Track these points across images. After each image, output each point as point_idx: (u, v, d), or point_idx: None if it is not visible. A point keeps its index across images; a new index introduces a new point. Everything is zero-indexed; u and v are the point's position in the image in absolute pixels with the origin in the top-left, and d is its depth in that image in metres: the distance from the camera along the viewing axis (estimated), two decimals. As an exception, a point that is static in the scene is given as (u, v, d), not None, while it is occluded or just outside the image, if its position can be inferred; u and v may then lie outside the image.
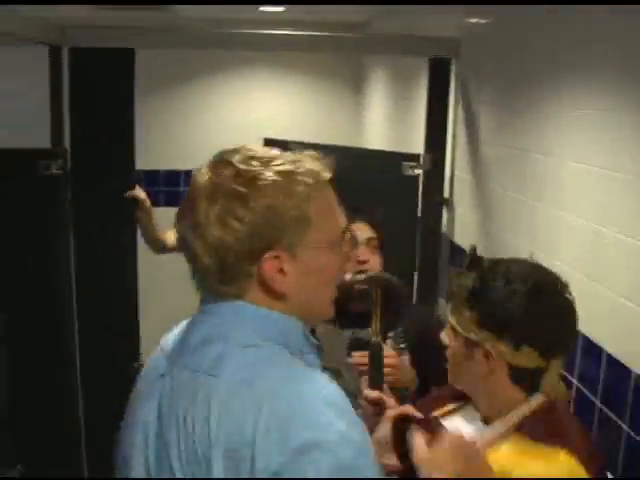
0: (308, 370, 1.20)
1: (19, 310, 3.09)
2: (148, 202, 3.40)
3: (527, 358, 1.53)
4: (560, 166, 2.53)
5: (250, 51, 5.26)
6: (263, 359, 1.18)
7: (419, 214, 3.75)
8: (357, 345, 2.44)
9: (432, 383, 2.33)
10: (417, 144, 3.91)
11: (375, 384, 2.02)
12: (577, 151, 2.42)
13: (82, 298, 3.40)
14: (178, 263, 1.38)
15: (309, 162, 1.25)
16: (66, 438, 3.36)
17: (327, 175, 1.26)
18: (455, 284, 1.63)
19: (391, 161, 3.81)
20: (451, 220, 3.77)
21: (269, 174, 1.19)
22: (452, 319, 1.63)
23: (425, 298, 3.70)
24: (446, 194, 3.80)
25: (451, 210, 3.77)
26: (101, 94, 3.34)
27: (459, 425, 1.64)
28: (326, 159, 1.28)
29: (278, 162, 1.22)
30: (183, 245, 1.24)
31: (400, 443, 1.50)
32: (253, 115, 5.98)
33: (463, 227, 3.63)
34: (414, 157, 3.72)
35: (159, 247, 3.53)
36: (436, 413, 1.72)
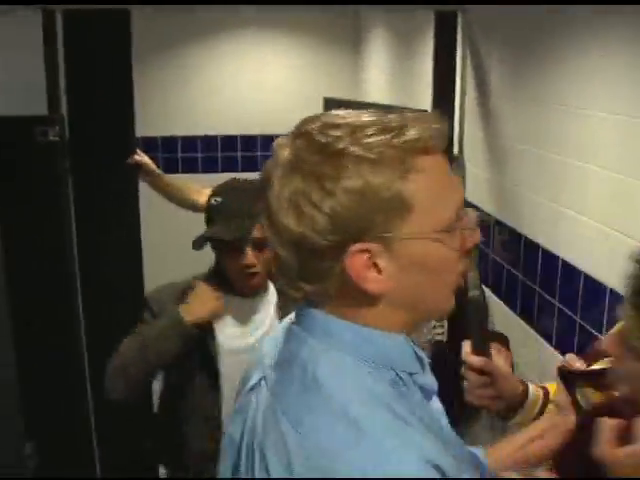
0: (408, 432, 0.93)
1: (20, 273, 3.03)
2: (153, 165, 3.30)
3: None
4: (581, 116, 2.44)
5: (246, 12, 5.16)
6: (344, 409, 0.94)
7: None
8: None
9: None
10: (423, 104, 3.82)
11: (478, 348, 1.64)
12: (599, 99, 2.34)
13: (84, 267, 3.32)
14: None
15: (414, 128, 0.95)
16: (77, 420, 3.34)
17: (437, 144, 0.98)
18: None
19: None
20: (461, 177, 3.69)
21: (355, 148, 0.94)
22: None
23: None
24: (455, 151, 3.71)
25: (461, 167, 3.68)
26: (97, 58, 3.23)
27: None
28: (439, 121, 0.98)
29: (369, 131, 0.95)
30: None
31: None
32: (251, 77, 5.90)
33: (475, 184, 3.55)
34: (422, 114, 3.63)
35: (190, 207, 3.30)
36: None
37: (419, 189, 0.96)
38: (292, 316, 1.13)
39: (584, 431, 1.30)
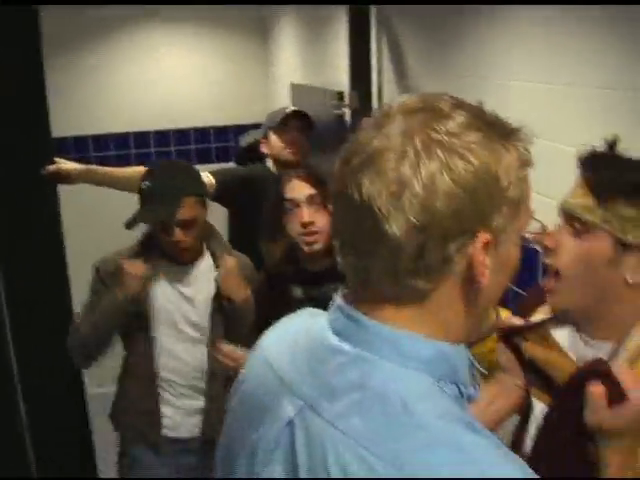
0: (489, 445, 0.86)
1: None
2: (74, 165, 3.19)
3: None
4: (502, 87, 2.51)
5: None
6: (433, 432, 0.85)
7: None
8: (309, 304, 2.32)
9: None
10: (340, 85, 3.86)
11: None
12: (518, 69, 2.40)
13: (5, 277, 3.20)
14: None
15: (522, 134, 0.94)
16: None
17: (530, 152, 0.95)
18: (597, 171, 1.34)
19: (318, 99, 3.75)
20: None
21: (489, 132, 0.90)
22: (592, 216, 1.33)
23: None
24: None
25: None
26: (5, 60, 3.11)
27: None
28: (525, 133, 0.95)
29: (495, 121, 0.93)
30: (344, 213, 0.92)
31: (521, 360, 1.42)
32: (157, 72, 5.83)
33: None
34: (340, 95, 3.67)
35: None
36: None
37: (526, 189, 0.94)
38: (303, 316, 1.09)
39: (565, 404, 1.33)
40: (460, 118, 0.89)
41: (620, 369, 1.26)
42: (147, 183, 2.53)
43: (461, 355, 0.96)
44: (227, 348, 2.24)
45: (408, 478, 0.81)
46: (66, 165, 3.15)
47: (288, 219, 2.36)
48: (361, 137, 0.92)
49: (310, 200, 2.34)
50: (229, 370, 2.18)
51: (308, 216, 2.31)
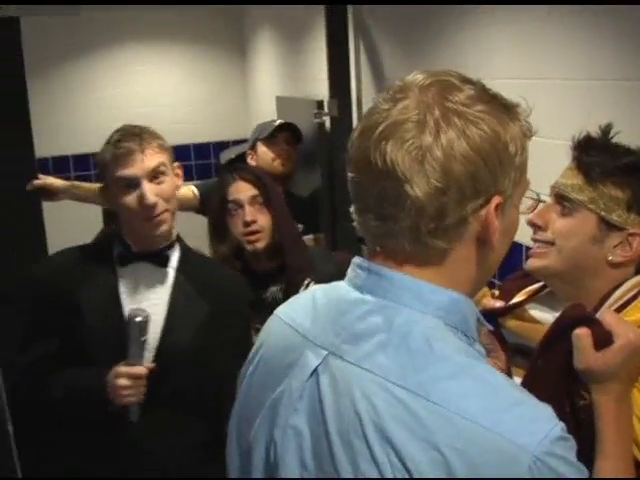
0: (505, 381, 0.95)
1: None
2: (59, 182, 3.19)
3: None
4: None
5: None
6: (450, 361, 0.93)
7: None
8: (261, 306, 2.32)
9: None
10: (319, 94, 3.90)
11: None
12: (499, 66, 2.45)
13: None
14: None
15: (521, 108, 1.02)
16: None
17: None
18: (589, 155, 1.41)
19: (300, 109, 3.79)
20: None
21: (495, 104, 0.98)
22: (579, 195, 1.40)
23: (346, 245, 3.69)
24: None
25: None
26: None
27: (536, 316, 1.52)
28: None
29: (498, 95, 1.00)
30: (366, 179, 0.97)
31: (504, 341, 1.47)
32: (136, 90, 5.85)
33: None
34: (319, 104, 3.71)
35: None
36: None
37: (527, 158, 1.02)
38: (313, 289, 1.13)
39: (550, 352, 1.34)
40: (470, 91, 0.96)
41: (605, 313, 1.30)
42: None
43: (471, 307, 1.03)
44: None
45: (433, 403, 0.88)
46: (51, 180, 3.15)
47: (232, 220, 2.41)
48: (379, 110, 0.97)
49: (252, 200, 2.41)
50: None
51: (250, 215, 2.38)
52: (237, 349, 2.08)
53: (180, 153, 6.08)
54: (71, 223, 4.74)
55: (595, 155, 1.41)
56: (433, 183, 0.92)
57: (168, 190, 1.99)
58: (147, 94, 5.88)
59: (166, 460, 1.98)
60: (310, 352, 1.02)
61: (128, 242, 2.05)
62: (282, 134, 3.55)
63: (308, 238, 3.25)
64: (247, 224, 2.38)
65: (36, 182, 3.07)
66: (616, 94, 1.94)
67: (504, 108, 0.99)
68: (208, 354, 2.01)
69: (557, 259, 1.43)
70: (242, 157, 3.71)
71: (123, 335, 1.92)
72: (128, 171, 1.94)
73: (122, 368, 1.88)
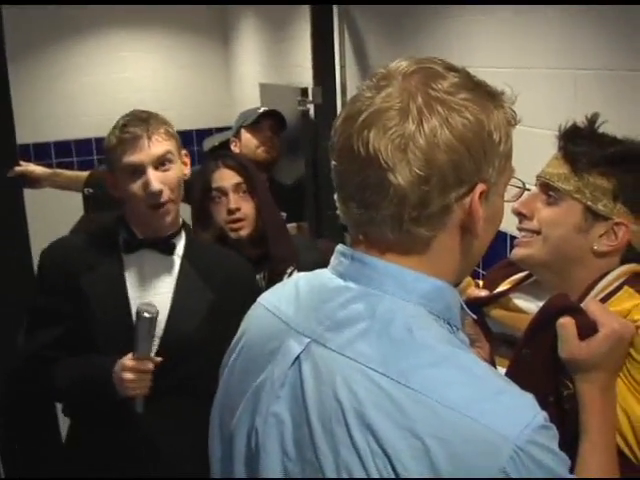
0: (486, 369, 0.94)
1: None
2: (40, 169, 3.17)
3: None
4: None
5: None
6: (432, 350, 0.93)
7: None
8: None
9: None
10: (304, 82, 3.88)
11: None
12: (484, 56, 2.44)
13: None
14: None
15: (505, 95, 1.02)
16: None
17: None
18: (575, 145, 1.41)
19: (284, 96, 3.77)
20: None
21: (479, 92, 0.97)
22: (564, 184, 1.40)
23: (330, 233, 3.69)
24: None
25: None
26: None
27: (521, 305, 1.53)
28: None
29: (483, 83, 1.00)
30: (349, 166, 0.96)
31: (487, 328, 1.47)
32: (119, 77, 5.80)
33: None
34: (303, 91, 3.70)
35: None
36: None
37: (511, 145, 1.02)
38: (296, 277, 1.13)
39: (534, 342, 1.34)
40: (454, 79, 0.96)
41: (589, 303, 1.31)
42: (90, 190, 2.59)
43: (454, 295, 1.03)
44: None
45: (414, 391, 0.88)
46: (33, 167, 3.13)
47: (215, 207, 2.41)
48: (362, 97, 0.97)
49: (236, 188, 2.40)
50: None
51: (234, 203, 2.37)
52: None
53: (163, 140, 6.07)
54: (52, 210, 4.70)
55: (581, 145, 1.41)
56: (416, 172, 0.92)
57: (174, 178, 1.95)
58: (129, 81, 5.84)
59: (170, 450, 1.97)
60: (292, 340, 1.01)
61: (133, 229, 2.02)
62: (266, 121, 3.54)
63: (291, 226, 3.24)
64: (231, 212, 2.38)
65: (17, 169, 3.04)
66: (601, 83, 1.94)
67: (488, 95, 0.98)
68: (214, 343, 1.96)
69: (542, 248, 1.43)
70: (225, 144, 3.69)
71: (129, 324, 1.90)
72: (134, 157, 1.91)
73: (130, 362, 1.86)
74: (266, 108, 3.65)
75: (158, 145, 1.92)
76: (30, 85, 5.42)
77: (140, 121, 1.93)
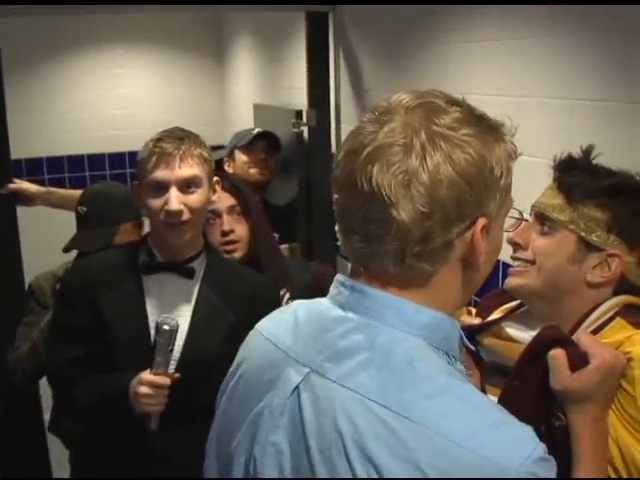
0: (484, 401, 0.95)
1: None
2: (35, 187, 3.15)
3: None
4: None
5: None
6: (433, 382, 0.93)
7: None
8: None
9: None
10: (298, 104, 3.89)
11: None
12: (481, 82, 2.45)
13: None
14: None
15: (506, 128, 1.03)
16: None
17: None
18: (570, 175, 1.43)
19: (278, 117, 3.78)
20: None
21: (481, 126, 0.98)
22: (559, 215, 1.42)
23: (323, 255, 3.69)
24: (333, 148, 3.79)
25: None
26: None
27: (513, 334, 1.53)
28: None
29: (484, 116, 1.01)
30: (351, 200, 0.97)
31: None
32: (113, 95, 5.81)
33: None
34: (297, 114, 3.71)
35: None
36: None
37: (511, 178, 1.02)
38: (294, 305, 1.14)
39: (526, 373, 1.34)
40: (456, 113, 0.97)
41: (581, 334, 1.31)
42: (83, 208, 2.57)
43: (454, 326, 1.03)
44: None
45: (414, 422, 0.88)
46: (27, 185, 3.11)
47: (209, 228, 2.41)
48: (365, 131, 0.97)
49: (231, 210, 2.41)
50: None
51: (228, 224, 2.38)
52: None
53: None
54: (44, 227, 4.68)
55: (576, 176, 1.43)
56: (419, 208, 0.92)
57: (197, 202, 1.93)
58: (124, 97, 5.83)
59: (183, 469, 1.93)
60: (292, 369, 1.02)
61: (155, 252, 2.01)
62: (261, 143, 3.56)
63: (284, 247, 3.24)
64: (225, 234, 2.38)
65: (11, 186, 3.03)
66: (597, 114, 1.96)
67: (490, 130, 0.99)
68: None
69: (536, 278, 1.43)
70: (218, 164, 3.69)
71: (148, 346, 1.90)
72: (160, 174, 1.90)
73: (146, 376, 1.85)
74: (260, 129, 3.66)
75: (187, 167, 1.91)
76: (23, 100, 5.40)
77: (175, 139, 1.92)
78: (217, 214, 2.40)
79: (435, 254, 0.96)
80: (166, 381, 1.86)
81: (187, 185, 1.91)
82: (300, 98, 3.90)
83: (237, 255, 2.39)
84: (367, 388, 0.93)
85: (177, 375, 1.89)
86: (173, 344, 1.88)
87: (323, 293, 1.10)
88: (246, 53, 5.44)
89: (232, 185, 2.47)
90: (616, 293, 1.41)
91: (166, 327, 1.85)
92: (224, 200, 2.40)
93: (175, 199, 1.88)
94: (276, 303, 2.13)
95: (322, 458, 0.93)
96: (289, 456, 0.98)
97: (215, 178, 2.04)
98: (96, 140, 5.78)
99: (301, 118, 3.72)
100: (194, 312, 1.99)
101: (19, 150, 5.16)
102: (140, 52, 5.84)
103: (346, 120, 3.67)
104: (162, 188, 1.90)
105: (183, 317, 1.97)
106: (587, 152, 1.46)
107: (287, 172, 3.91)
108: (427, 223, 0.93)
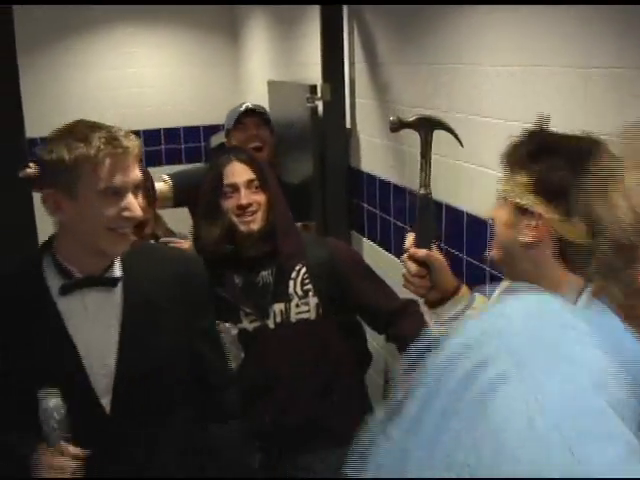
0: None
1: None
2: None
3: (575, 231, 1.44)
4: (476, 73, 2.54)
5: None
6: None
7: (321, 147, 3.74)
8: (251, 290, 2.40)
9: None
10: (312, 79, 3.88)
11: (423, 241, 1.90)
12: (492, 55, 2.43)
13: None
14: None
15: None
16: None
17: None
18: (512, 150, 1.55)
19: (292, 93, 3.77)
20: (356, 149, 3.75)
21: None
22: (503, 187, 1.55)
23: (337, 232, 3.69)
24: (348, 123, 3.77)
25: (355, 139, 3.75)
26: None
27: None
28: None
29: None
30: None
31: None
32: (128, 73, 5.81)
33: (372, 153, 3.61)
34: (312, 89, 3.69)
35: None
36: None
37: None
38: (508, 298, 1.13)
39: None
40: None
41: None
42: None
43: None
44: None
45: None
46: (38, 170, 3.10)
47: (226, 202, 2.42)
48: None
49: (249, 184, 2.41)
50: None
51: (246, 198, 2.39)
52: (210, 337, 2.06)
53: (170, 135, 6.07)
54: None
55: (512, 146, 1.56)
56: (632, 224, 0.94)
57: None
58: (139, 76, 5.85)
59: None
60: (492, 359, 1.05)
61: (65, 265, 1.79)
62: (250, 119, 3.55)
63: (298, 225, 3.24)
64: (242, 207, 2.38)
65: (28, 170, 3.02)
66: (614, 83, 1.93)
67: None
68: (178, 357, 1.89)
69: (498, 249, 1.60)
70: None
71: (85, 379, 1.77)
72: (118, 179, 1.77)
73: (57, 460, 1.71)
74: (247, 105, 3.64)
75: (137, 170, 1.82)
76: (39, 79, 5.44)
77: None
78: (235, 188, 2.40)
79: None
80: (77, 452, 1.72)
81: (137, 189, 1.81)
82: (314, 74, 3.88)
83: (254, 227, 2.39)
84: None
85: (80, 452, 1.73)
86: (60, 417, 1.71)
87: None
88: (260, 30, 5.42)
89: (250, 157, 2.48)
90: (563, 254, 1.49)
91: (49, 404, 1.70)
92: (242, 174, 2.41)
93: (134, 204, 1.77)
94: (205, 282, 2.04)
95: None
96: None
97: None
98: (112, 119, 5.76)
99: (315, 93, 3.70)
100: (123, 318, 1.82)
101: (35, 129, 5.19)
102: (154, 31, 5.87)
103: (361, 94, 3.65)
104: (119, 194, 1.75)
105: (113, 327, 1.81)
106: (541, 122, 1.55)
107: (301, 150, 3.90)
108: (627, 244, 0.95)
